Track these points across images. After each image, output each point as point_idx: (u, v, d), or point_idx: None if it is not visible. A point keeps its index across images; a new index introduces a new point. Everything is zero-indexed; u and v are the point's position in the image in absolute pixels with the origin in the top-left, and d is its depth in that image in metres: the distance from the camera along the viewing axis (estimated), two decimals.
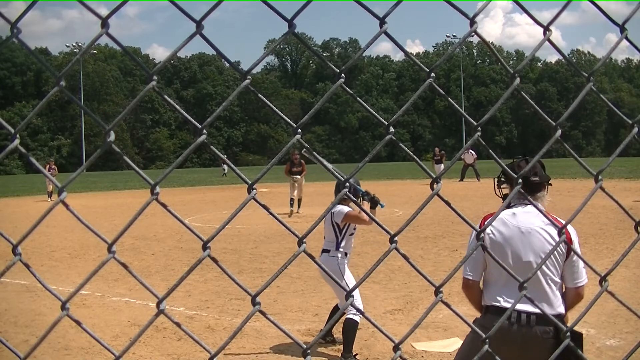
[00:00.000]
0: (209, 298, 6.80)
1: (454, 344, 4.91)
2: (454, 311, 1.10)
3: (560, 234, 1.25)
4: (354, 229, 5.08)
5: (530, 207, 2.77)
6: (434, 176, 1.05)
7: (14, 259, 0.88)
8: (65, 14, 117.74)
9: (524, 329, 2.60)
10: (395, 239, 1.06)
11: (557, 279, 2.69)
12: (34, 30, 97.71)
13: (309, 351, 1.00)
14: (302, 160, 14.82)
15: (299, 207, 15.08)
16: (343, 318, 4.90)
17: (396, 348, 1.09)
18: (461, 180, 25.43)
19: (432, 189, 1.06)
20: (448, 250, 9.43)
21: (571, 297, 2.74)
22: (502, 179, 3.05)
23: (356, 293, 4.97)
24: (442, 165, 24.82)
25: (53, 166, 22.90)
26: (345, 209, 4.90)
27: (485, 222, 2.70)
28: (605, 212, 12.56)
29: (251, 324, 5.43)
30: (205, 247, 0.94)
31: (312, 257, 1.01)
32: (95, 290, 7.00)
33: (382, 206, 4.89)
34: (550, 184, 2.97)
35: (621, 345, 4.86)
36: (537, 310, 2.55)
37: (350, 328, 4.75)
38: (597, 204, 12.57)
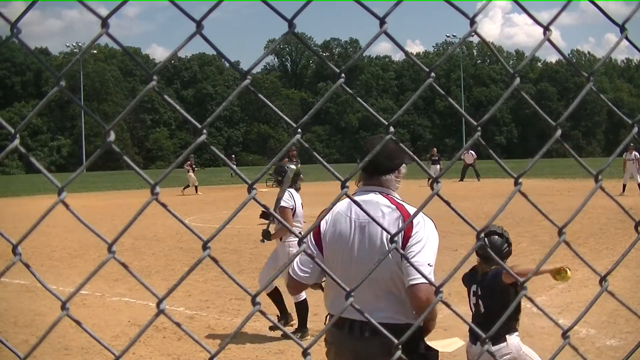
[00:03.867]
0: (209, 298, 6.80)
1: (454, 344, 4.91)
2: (454, 311, 1.10)
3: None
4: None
5: (371, 196, 2.32)
6: (434, 176, 1.05)
7: (14, 259, 0.88)
8: (65, 14, 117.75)
9: (357, 340, 2.24)
10: (396, 239, 1.05)
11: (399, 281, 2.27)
12: (34, 30, 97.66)
13: (309, 351, 1.00)
14: (298, 158, 14.20)
15: None
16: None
17: (396, 348, 1.09)
18: (461, 180, 25.48)
19: (432, 189, 1.06)
20: (448, 250, 9.41)
21: (409, 299, 2.23)
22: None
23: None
24: (439, 166, 24.63)
25: (191, 164, 22.22)
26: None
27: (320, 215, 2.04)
28: (605, 212, 12.56)
29: (251, 324, 5.44)
30: (205, 247, 0.94)
31: (312, 257, 1.01)
32: (95, 290, 7.00)
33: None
34: (404, 165, 2.44)
35: (621, 345, 4.86)
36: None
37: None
38: (597, 204, 12.55)
